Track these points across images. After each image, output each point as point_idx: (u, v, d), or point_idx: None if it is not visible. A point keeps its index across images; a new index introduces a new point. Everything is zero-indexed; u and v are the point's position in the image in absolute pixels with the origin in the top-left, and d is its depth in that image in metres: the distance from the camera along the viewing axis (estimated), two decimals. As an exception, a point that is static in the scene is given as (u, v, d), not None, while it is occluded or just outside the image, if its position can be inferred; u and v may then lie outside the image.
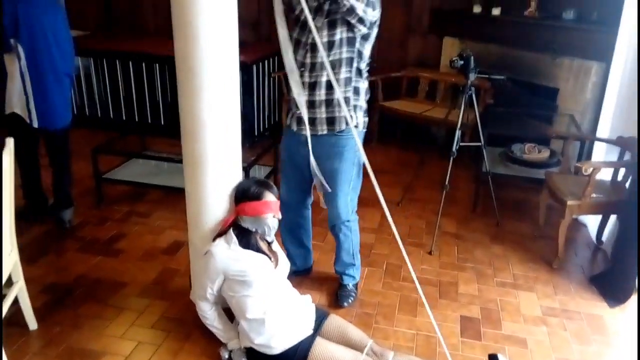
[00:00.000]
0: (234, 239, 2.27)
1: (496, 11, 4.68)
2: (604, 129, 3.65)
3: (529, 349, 2.55)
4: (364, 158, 2.11)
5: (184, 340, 2.50)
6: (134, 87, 5.07)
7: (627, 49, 3.37)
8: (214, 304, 2.39)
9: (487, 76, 3.91)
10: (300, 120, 2.50)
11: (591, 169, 3.06)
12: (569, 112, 4.25)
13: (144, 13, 5.96)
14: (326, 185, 2.52)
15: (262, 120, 5.09)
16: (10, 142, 2.23)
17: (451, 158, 3.40)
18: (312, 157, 2.47)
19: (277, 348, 2.22)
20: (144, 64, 4.96)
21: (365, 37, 2.41)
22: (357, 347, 2.26)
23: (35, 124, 3.14)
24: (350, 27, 2.34)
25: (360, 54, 2.44)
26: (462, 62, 3.34)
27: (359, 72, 2.48)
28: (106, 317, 2.63)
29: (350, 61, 2.42)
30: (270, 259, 2.34)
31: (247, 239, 2.29)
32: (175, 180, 3.59)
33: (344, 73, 2.41)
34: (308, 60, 2.41)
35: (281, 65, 2.52)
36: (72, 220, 3.51)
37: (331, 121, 2.48)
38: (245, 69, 4.44)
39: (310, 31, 2.37)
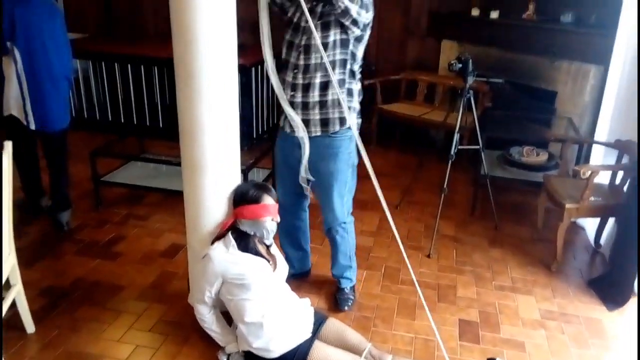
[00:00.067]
0: (233, 242, 2.26)
1: (494, 14, 4.70)
2: (602, 132, 3.66)
3: (528, 352, 2.54)
4: (364, 157, 2.10)
5: (182, 343, 2.50)
6: (132, 90, 5.06)
7: (625, 52, 3.38)
8: (212, 307, 2.39)
9: (485, 79, 3.92)
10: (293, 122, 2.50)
11: (589, 172, 3.06)
12: (567, 115, 4.26)
13: (144, 15, 5.97)
14: (307, 188, 2.55)
15: (260, 122, 5.08)
16: (8, 146, 2.23)
17: (450, 161, 3.40)
18: (305, 159, 2.47)
19: (276, 352, 2.21)
20: (142, 67, 4.95)
21: (358, 39, 2.41)
22: (356, 351, 2.26)
23: (32, 127, 3.14)
24: (344, 29, 2.35)
25: (353, 55, 2.44)
26: (460, 65, 3.34)
27: (352, 73, 2.49)
28: (104, 321, 2.63)
29: (343, 63, 2.42)
30: (268, 262, 2.34)
31: (245, 242, 2.29)
32: (174, 183, 3.59)
33: (337, 75, 2.41)
34: (301, 62, 2.41)
35: (280, 68, 2.53)
36: (70, 223, 3.50)
37: (325, 122, 2.48)
38: (244, 72, 4.44)
39: (303, 33, 2.38)
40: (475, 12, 4.86)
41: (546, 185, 3.45)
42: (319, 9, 2.36)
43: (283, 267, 2.44)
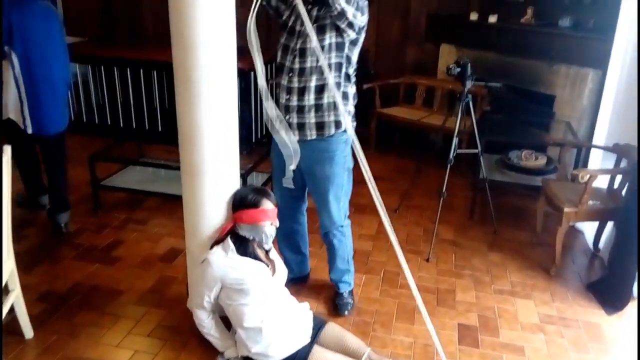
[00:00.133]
0: (232, 246, 2.26)
1: (493, 18, 4.71)
2: (600, 136, 3.67)
3: (527, 356, 2.54)
4: (361, 159, 2.09)
5: (181, 349, 2.49)
6: (131, 94, 5.07)
7: (624, 56, 3.39)
8: (211, 312, 2.38)
9: (483, 83, 3.92)
10: (289, 126, 2.50)
11: (588, 176, 3.06)
12: (566, 119, 4.26)
13: (144, 19, 5.97)
14: (290, 180, 2.56)
15: (259, 126, 5.09)
16: (7, 150, 2.23)
17: (448, 165, 3.41)
18: (293, 165, 2.47)
19: (275, 357, 2.21)
20: (141, 71, 4.96)
21: (353, 43, 2.42)
22: (355, 356, 2.25)
23: (30, 130, 3.16)
24: (339, 32, 2.35)
25: (348, 59, 2.45)
26: (459, 70, 3.35)
27: (348, 77, 2.49)
28: (103, 326, 2.62)
29: (339, 66, 2.42)
30: (267, 266, 2.33)
31: (244, 247, 2.28)
32: (173, 187, 3.59)
33: (333, 78, 2.42)
34: (297, 66, 2.42)
35: (279, 72, 2.54)
36: (69, 224, 3.50)
37: (320, 126, 2.49)
38: (242, 76, 4.45)
39: (299, 36, 2.39)
40: (473, 16, 4.87)
41: (545, 189, 3.45)
42: (314, 12, 2.37)
43: (282, 272, 2.43)
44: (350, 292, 2.87)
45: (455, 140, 3.42)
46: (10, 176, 2.26)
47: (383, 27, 5.35)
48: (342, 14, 2.23)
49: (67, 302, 2.80)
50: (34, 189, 3.63)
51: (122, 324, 2.64)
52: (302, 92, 2.44)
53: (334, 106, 2.43)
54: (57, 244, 3.37)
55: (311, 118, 2.47)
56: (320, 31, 2.35)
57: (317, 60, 2.32)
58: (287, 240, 2.88)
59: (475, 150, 3.57)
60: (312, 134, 2.50)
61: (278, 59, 2.51)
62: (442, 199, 3.45)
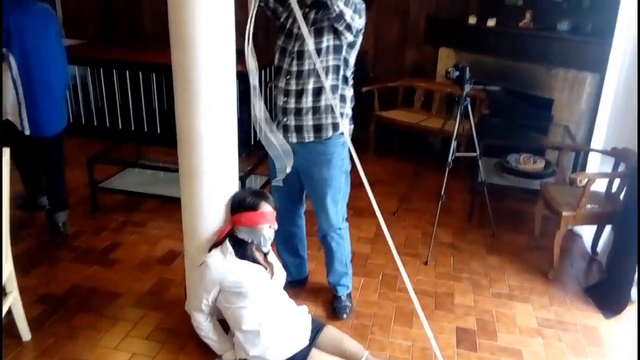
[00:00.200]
0: (230, 249, 2.26)
1: (491, 22, 4.72)
2: (598, 140, 3.67)
3: (525, 360, 2.55)
4: (357, 164, 2.10)
5: (179, 351, 2.49)
6: (130, 96, 5.07)
7: (622, 60, 3.40)
8: (209, 315, 2.38)
9: (482, 87, 3.93)
10: (286, 128, 2.50)
11: (586, 180, 3.07)
12: (564, 123, 4.27)
13: (143, 21, 5.98)
14: (280, 181, 2.57)
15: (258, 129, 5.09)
16: (6, 153, 2.23)
17: (447, 168, 3.41)
18: (287, 162, 2.48)
19: (273, 360, 2.21)
20: (140, 73, 4.96)
21: (351, 45, 2.42)
22: (353, 359, 2.25)
23: (27, 132, 3.16)
24: (337, 35, 2.36)
25: (346, 61, 2.45)
26: (457, 73, 3.36)
27: (345, 79, 2.49)
28: (101, 328, 2.62)
29: (336, 69, 2.43)
30: (266, 269, 2.33)
31: (243, 250, 2.28)
32: (171, 189, 3.59)
33: (330, 81, 2.42)
34: (294, 68, 2.42)
35: (276, 74, 2.54)
36: (67, 224, 3.50)
37: (318, 128, 2.49)
38: (241, 78, 4.44)
39: (296, 39, 2.40)
40: (472, 20, 4.88)
41: (543, 192, 3.45)
42: (312, 15, 2.37)
43: (280, 275, 2.43)
44: (349, 295, 2.87)
45: (453, 144, 3.42)
46: (8, 178, 2.26)
47: (382, 29, 5.36)
48: (340, 16, 2.24)
49: (65, 304, 2.79)
50: (33, 190, 3.64)
51: (120, 326, 2.64)
52: (299, 94, 2.44)
53: (331, 109, 2.44)
54: (55, 246, 3.37)
55: (309, 120, 2.47)
56: (318, 34, 2.35)
57: (315, 63, 2.33)
58: (285, 243, 2.87)
59: (474, 154, 3.58)
60: (309, 137, 2.50)
61: (275, 62, 2.51)
62: (440, 202, 3.45)
